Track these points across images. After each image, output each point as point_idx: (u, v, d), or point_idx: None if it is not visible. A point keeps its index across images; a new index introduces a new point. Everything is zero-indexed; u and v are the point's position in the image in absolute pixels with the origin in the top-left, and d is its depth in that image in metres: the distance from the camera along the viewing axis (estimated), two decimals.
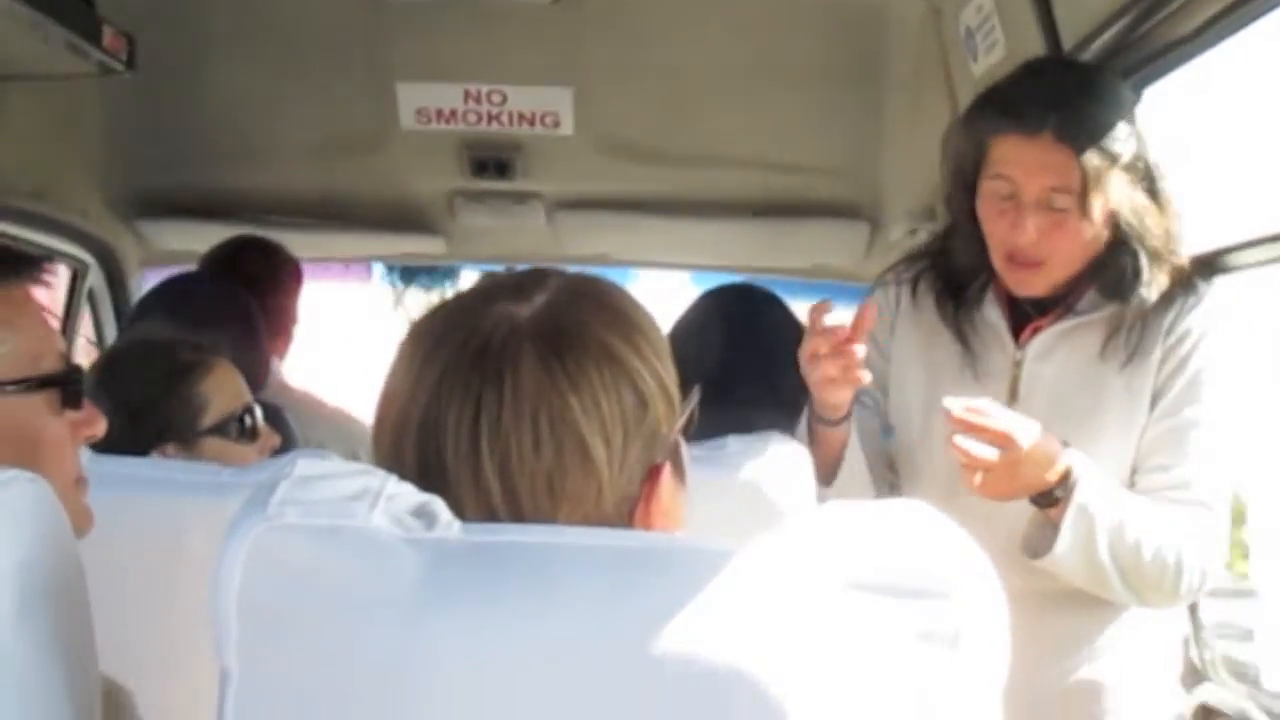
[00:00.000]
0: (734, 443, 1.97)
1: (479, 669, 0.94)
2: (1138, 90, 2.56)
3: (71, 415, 1.42)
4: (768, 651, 0.94)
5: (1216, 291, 2.18)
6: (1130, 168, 2.05)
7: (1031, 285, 2.15)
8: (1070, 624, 2.17)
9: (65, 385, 1.40)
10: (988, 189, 2.11)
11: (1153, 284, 2.10)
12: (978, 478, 1.94)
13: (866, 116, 3.69)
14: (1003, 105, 2.12)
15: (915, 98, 3.49)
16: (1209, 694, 2.70)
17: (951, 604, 0.97)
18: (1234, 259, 2.43)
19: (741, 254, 4.35)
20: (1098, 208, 2.04)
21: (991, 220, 2.13)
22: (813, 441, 2.14)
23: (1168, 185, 2.11)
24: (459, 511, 1.03)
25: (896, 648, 0.96)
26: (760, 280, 3.56)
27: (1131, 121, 2.08)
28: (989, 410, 1.96)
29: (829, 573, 0.97)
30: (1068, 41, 2.67)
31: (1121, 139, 2.04)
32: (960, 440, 1.93)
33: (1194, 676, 2.75)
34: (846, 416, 2.13)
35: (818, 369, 2.01)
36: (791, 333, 2.52)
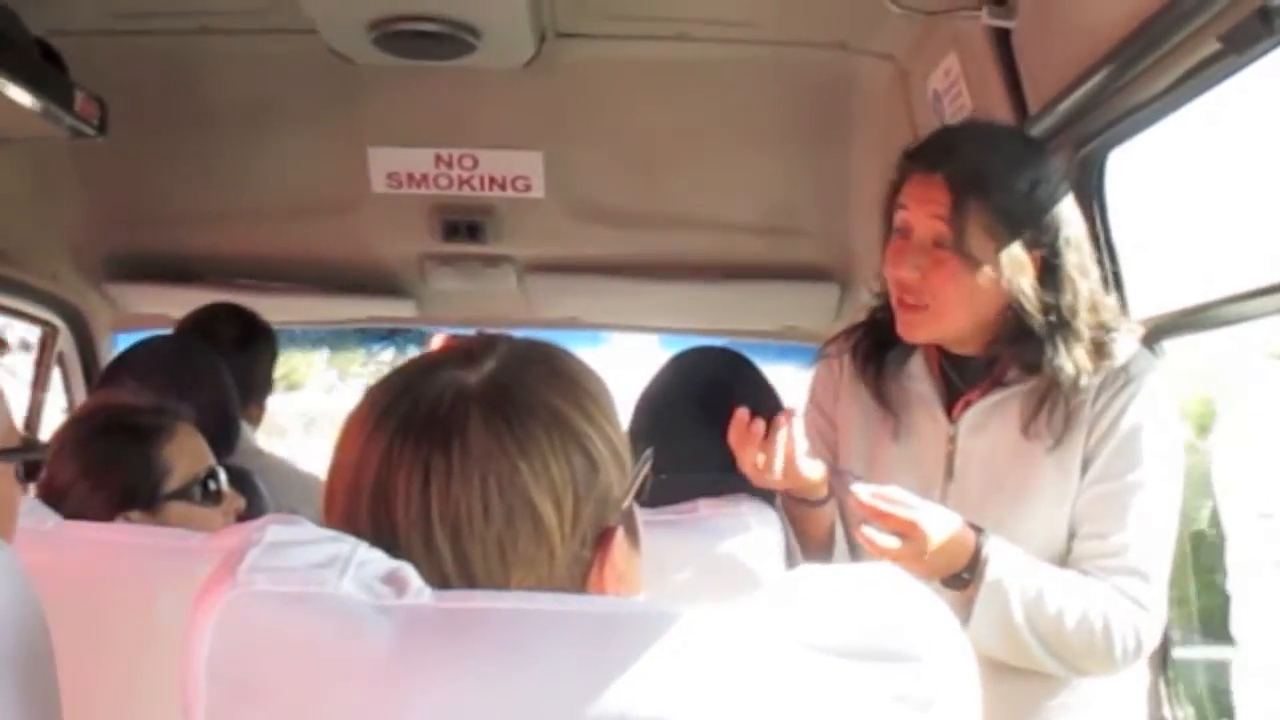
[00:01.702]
0: (705, 506, 1.98)
1: None
2: (1102, 155, 2.59)
3: None
4: (740, 716, 0.94)
5: (1176, 350, 2.19)
6: (1018, 224, 2.07)
7: (915, 330, 2.17)
8: (1028, 688, 2.16)
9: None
10: (895, 222, 2.16)
11: (1067, 356, 2.09)
12: (889, 549, 1.96)
13: (835, 178, 3.72)
14: (910, 151, 2.20)
15: (883, 160, 3.48)
16: None
17: (924, 667, 0.98)
18: (1201, 318, 2.45)
19: (712, 316, 4.36)
20: (975, 251, 2.06)
21: (887, 259, 2.17)
22: (792, 523, 2.14)
23: (1077, 258, 2.11)
24: None
25: (869, 710, 0.96)
26: (732, 343, 3.58)
27: (1034, 189, 2.10)
28: (899, 498, 1.97)
29: (801, 637, 0.97)
30: (1033, 104, 2.70)
31: (1012, 193, 2.08)
32: (866, 530, 1.95)
33: None
34: (827, 498, 2.13)
35: (742, 461, 2.02)
36: (762, 395, 2.52)
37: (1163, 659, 2.67)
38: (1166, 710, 2.75)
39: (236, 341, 3.33)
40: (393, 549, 1.04)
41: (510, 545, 1.06)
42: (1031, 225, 2.09)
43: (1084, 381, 2.09)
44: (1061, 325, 2.09)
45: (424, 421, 1.08)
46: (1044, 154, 2.24)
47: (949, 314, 2.13)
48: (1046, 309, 2.09)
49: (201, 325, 3.40)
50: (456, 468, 1.06)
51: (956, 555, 2.00)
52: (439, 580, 1.04)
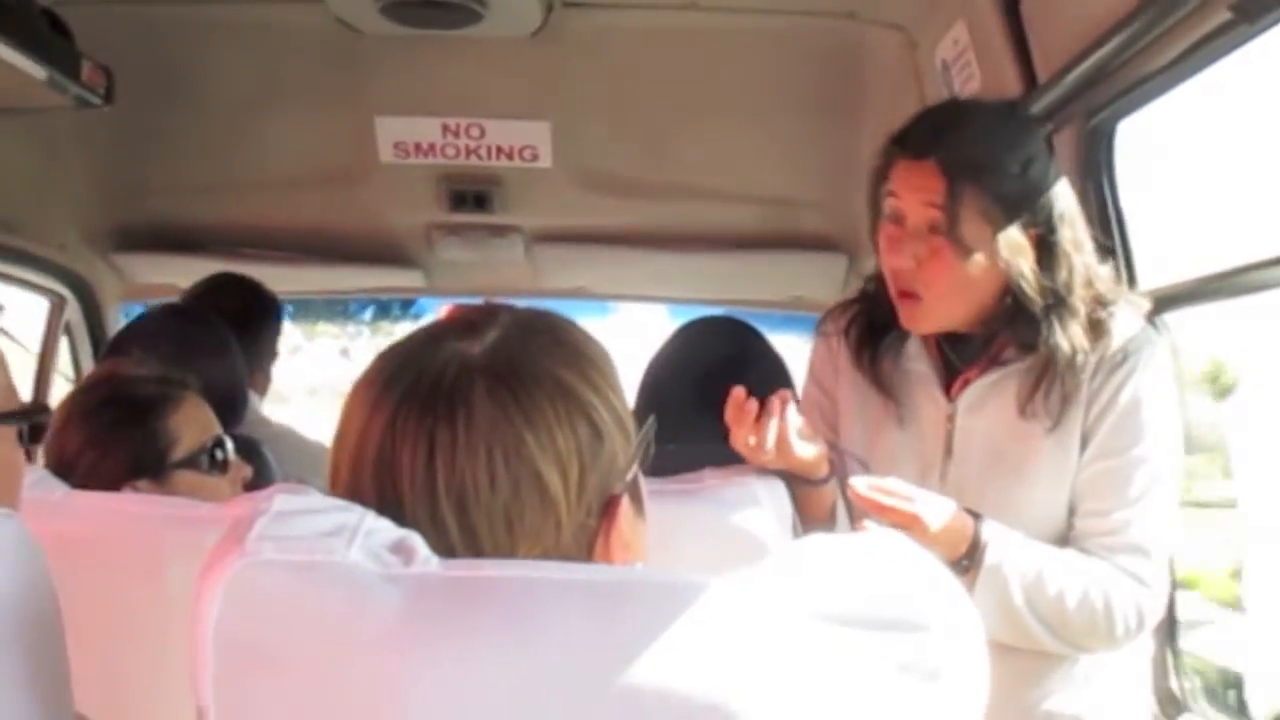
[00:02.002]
0: (711, 475, 1.97)
1: (458, 704, 0.93)
2: (1111, 124, 2.59)
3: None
4: (747, 685, 0.94)
5: (1164, 327, 2.18)
6: (1006, 204, 2.05)
7: (916, 320, 2.16)
8: (1030, 659, 2.16)
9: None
10: (885, 209, 2.14)
11: (1063, 334, 2.08)
12: None
13: (843, 149, 3.71)
14: (898, 135, 2.16)
15: (892, 130, 3.50)
16: None
17: (931, 635, 0.98)
18: (1214, 287, 2.44)
19: (720, 287, 4.36)
20: (971, 238, 2.05)
21: (882, 248, 2.15)
22: (797, 505, 2.14)
23: (1071, 234, 2.10)
24: None
25: (877, 680, 0.96)
26: (739, 313, 3.57)
27: (1026, 168, 2.08)
28: (898, 489, 1.97)
29: (808, 605, 0.97)
30: (1042, 74, 2.69)
31: (1006, 176, 2.05)
32: (867, 524, 1.95)
33: (1174, 706, 2.74)
34: (828, 477, 2.12)
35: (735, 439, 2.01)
36: (770, 365, 2.52)
37: (1170, 630, 2.67)
38: (1173, 681, 2.75)
39: (241, 311, 3.33)
40: (398, 522, 1.04)
41: (517, 516, 1.06)
42: (1027, 206, 2.07)
43: (1080, 359, 2.09)
44: (1059, 304, 2.08)
45: (428, 393, 1.07)
46: (1033, 130, 2.23)
47: (946, 303, 2.12)
48: (1044, 290, 2.08)
49: (207, 295, 3.40)
50: (461, 439, 1.05)
51: (955, 542, 2.00)
52: (445, 552, 1.04)
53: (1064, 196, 2.12)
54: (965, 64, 3.00)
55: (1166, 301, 2.47)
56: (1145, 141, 2.67)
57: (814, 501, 2.13)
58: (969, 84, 2.98)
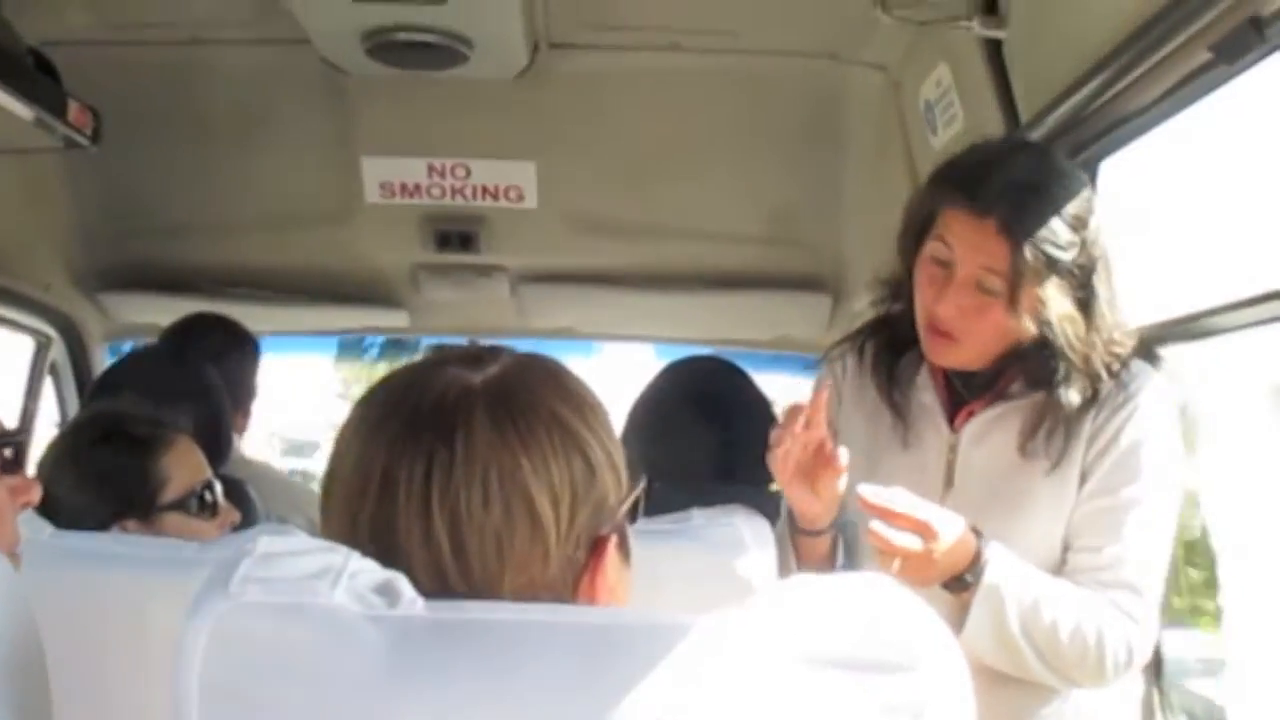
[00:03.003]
0: (698, 515, 1.97)
1: None
2: (1094, 164, 2.60)
3: (9, 481, 1.42)
4: None
5: (1159, 367, 2.18)
6: (1067, 274, 2.04)
7: (945, 356, 2.15)
8: (1022, 696, 2.15)
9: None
10: (929, 250, 2.12)
11: (1070, 386, 2.08)
12: (895, 565, 1.94)
13: (827, 189, 3.72)
14: (961, 179, 2.11)
15: (875, 170, 3.52)
16: None
17: (916, 676, 0.98)
18: (1194, 327, 2.45)
19: (705, 326, 4.36)
20: (1024, 305, 2.04)
21: (922, 287, 2.13)
22: (795, 552, 2.14)
23: (1107, 301, 2.10)
24: (409, 570, 1.04)
25: None
26: (724, 352, 3.58)
27: (1080, 227, 2.06)
28: (905, 500, 1.96)
29: (792, 647, 0.97)
30: (1025, 114, 2.71)
31: (1064, 244, 2.03)
32: (878, 526, 1.92)
33: None
34: (830, 527, 2.12)
35: (787, 466, 2.01)
36: (755, 404, 2.53)
37: (1155, 668, 2.67)
38: (1159, 717, 2.75)
39: (220, 350, 3.33)
40: (392, 543, 1.06)
41: (507, 540, 1.06)
42: (1080, 272, 2.06)
43: (1082, 410, 2.09)
44: (1084, 360, 2.08)
45: (430, 414, 1.09)
46: (1082, 179, 2.18)
47: (980, 347, 2.11)
48: (1082, 348, 2.08)
49: (186, 335, 3.40)
50: (459, 458, 1.07)
51: (960, 557, 1.99)
52: (436, 574, 1.05)
53: (1102, 249, 2.10)
54: (948, 104, 3.02)
55: (1152, 339, 2.48)
56: (1129, 181, 2.68)
57: (813, 549, 2.13)
58: (952, 124, 3.00)
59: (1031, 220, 2.03)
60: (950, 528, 1.96)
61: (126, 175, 3.62)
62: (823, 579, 1.05)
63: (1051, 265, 2.02)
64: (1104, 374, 2.10)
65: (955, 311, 2.07)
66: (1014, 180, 2.07)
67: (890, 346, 2.28)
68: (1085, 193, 2.11)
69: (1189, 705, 2.95)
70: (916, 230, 2.17)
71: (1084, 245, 2.05)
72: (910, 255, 2.19)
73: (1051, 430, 2.11)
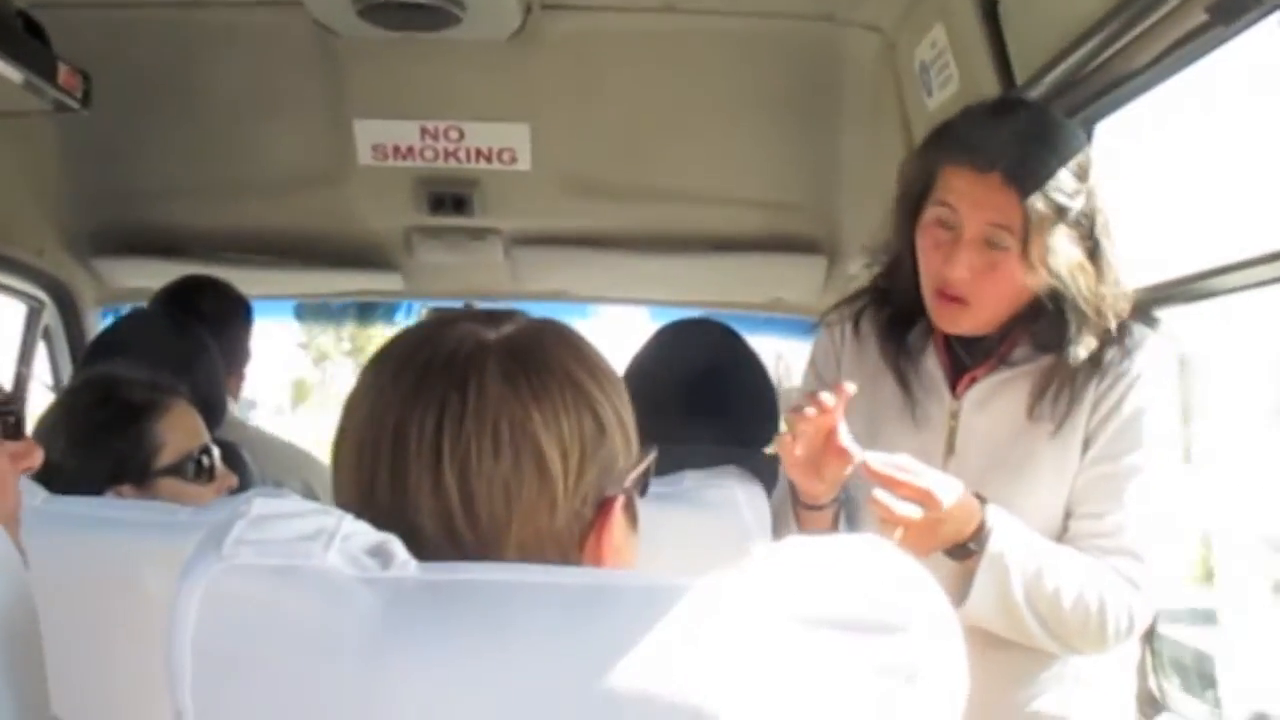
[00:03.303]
0: (691, 478, 1.97)
1: (437, 708, 0.94)
2: (1089, 125, 2.59)
3: (10, 446, 1.42)
4: (725, 687, 0.94)
5: (1159, 334, 2.17)
6: (1075, 224, 2.04)
7: (957, 323, 2.14)
8: (1019, 658, 2.16)
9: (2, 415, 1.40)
10: (930, 215, 2.10)
11: (1080, 343, 2.08)
12: (897, 533, 1.94)
13: (822, 151, 3.71)
14: (959, 138, 2.11)
15: (871, 132, 3.51)
16: None
17: (909, 637, 0.98)
18: (1190, 289, 2.45)
19: (699, 289, 4.36)
20: (1035, 256, 2.03)
21: (927, 252, 2.12)
22: (797, 522, 2.13)
23: (1110, 249, 2.09)
24: (418, 518, 1.05)
25: (854, 682, 0.96)
26: (718, 315, 3.57)
27: (1084, 177, 2.06)
28: (911, 467, 1.95)
29: (786, 608, 0.97)
30: (1020, 76, 2.70)
31: (1070, 193, 2.03)
32: (880, 495, 1.92)
33: (1152, 706, 2.76)
34: (833, 501, 2.12)
35: (795, 453, 2.00)
36: (749, 367, 2.53)
37: (1150, 631, 2.68)
38: (1152, 681, 2.76)
39: (214, 314, 3.32)
40: (402, 493, 1.07)
41: (515, 488, 1.07)
42: (1085, 218, 2.06)
43: (1089, 365, 2.09)
44: (1082, 315, 2.07)
45: (443, 366, 1.10)
46: (1081, 135, 2.19)
47: (994, 311, 2.10)
48: (1094, 301, 2.07)
49: (178, 298, 3.39)
50: (471, 407, 1.08)
51: (963, 524, 1.99)
52: (444, 521, 1.06)
53: (1103, 202, 2.10)
54: (944, 66, 3.01)
55: (1148, 301, 2.48)
56: (1125, 142, 2.68)
57: (815, 521, 2.12)
58: (948, 85, 2.99)
59: (1037, 169, 2.02)
60: (952, 495, 1.96)
61: (118, 139, 3.61)
62: (817, 540, 1.05)
63: (1060, 213, 2.02)
64: (1113, 328, 2.10)
65: (967, 273, 2.05)
66: (1015, 132, 2.07)
67: (895, 319, 2.27)
68: (1084, 144, 2.11)
69: (1178, 657, 2.96)
70: (915, 197, 2.15)
71: (1089, 195, 2.06)
72: (908, 225, 2.17)
73: (1059, 391, 2.11)
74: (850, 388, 1.96)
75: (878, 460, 1.93)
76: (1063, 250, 2.03)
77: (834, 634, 0.96)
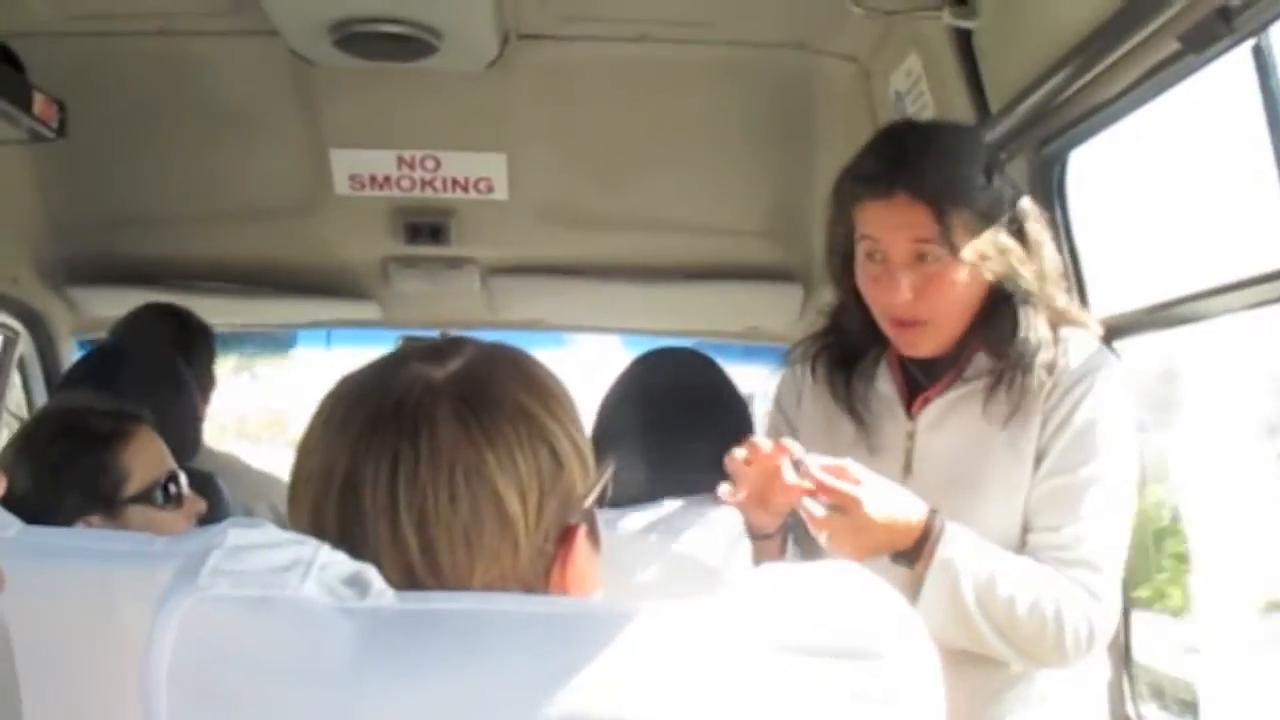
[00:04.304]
0: (669, 505, 1.97)
1: None
2: (1063, 154, 2.61)
3: None
4: (701, 714, 0.94)
5: (1135, 349, 2.20)
6: (986, 215, 2.09)
7: (919, 345, 2.17)
8: (989, 678, 2.16)
9: None
10: (860, 253, 2.15)
11: (1031, 328, 2.12)
12: (823, 537, 1.96)
13: (798, 179, 3.73)
14: (856, 174, 2.16)
15: (846, 160, 3.51)
16: None
17: (885, 663, 0.98)
18: (1160, 316, 2.47)
19: (676, 317, 4.37)
20: (966, 255, 2.07)
21: (868, 288, 2.16)
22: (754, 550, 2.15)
23: (1035, 227, 2.15)
24: (377, 569, 1.03)
25: (830, 708, 0.96)
26: (695, 343, 3.57)
27: (985, 172, 2.11)
28: (849, 469, 1.97)
29: (762, 634, 0.97)
30: (994, 105, 2.72)
31: (975, 187, 2.09)
32: (806, 501, 1.94)
33: None
34: (779, 530, 2.13)
35: (733, 493, 2.01)
36: (726, 394, 2.52)
37: (1125, 654, 2.68)
38: (1130, 707, 2.76)
39: (177, 341, 3.30)
40: (359, 541, 1.05)
41: (475, 535, 1.06)
42: (1000, 211, 2.11)
43: (1043, 355, 2.11)
44: (1025, 295, 2.11)
45: (393, 412, 1.09)
46: (978, 136, 2.24)
47: (949, 322, 2.14)
48: (1033, 274, 2.11)
49: (141, 326, 3.37)
50: (425, 456, 1.06)
51: (900, 534, 2.00)
52: (405, 571, 1.05)
53: (1021, 192, 2.17)
54: (919, 95, 3.02)
55: (1117, 330, 2.49)
56: (1099, 170, 2.69)
57: (763, 550, 2.13)
58: (923, 114, 3.00)
59: (934, 177, 2.07)
60: (885, 503, 1.97)
61: (94, 168, 3.61)
62: (792, 568, 1.05)
63: (972, 206, 2.07)
64: (1058, 303, 2.15)
65: (910, 294, 2.09)
66: (904, 151, 2.13)
67: (842, 361, 2.30)
68: (979, 142, 2.16)
69: (1157, 684, 2.96)
70: (842, 245, 2.20)
71: (998, 188, 2.12)
72: (845, 272, 2.21)
73: (1010, 384, 2.12)
74: (794, 447, 1.97)
75: (816, 465, 1.95)
76: (987, 239, 2.08)
77: (809, 660, 0.96)
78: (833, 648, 0.97)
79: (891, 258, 2.10)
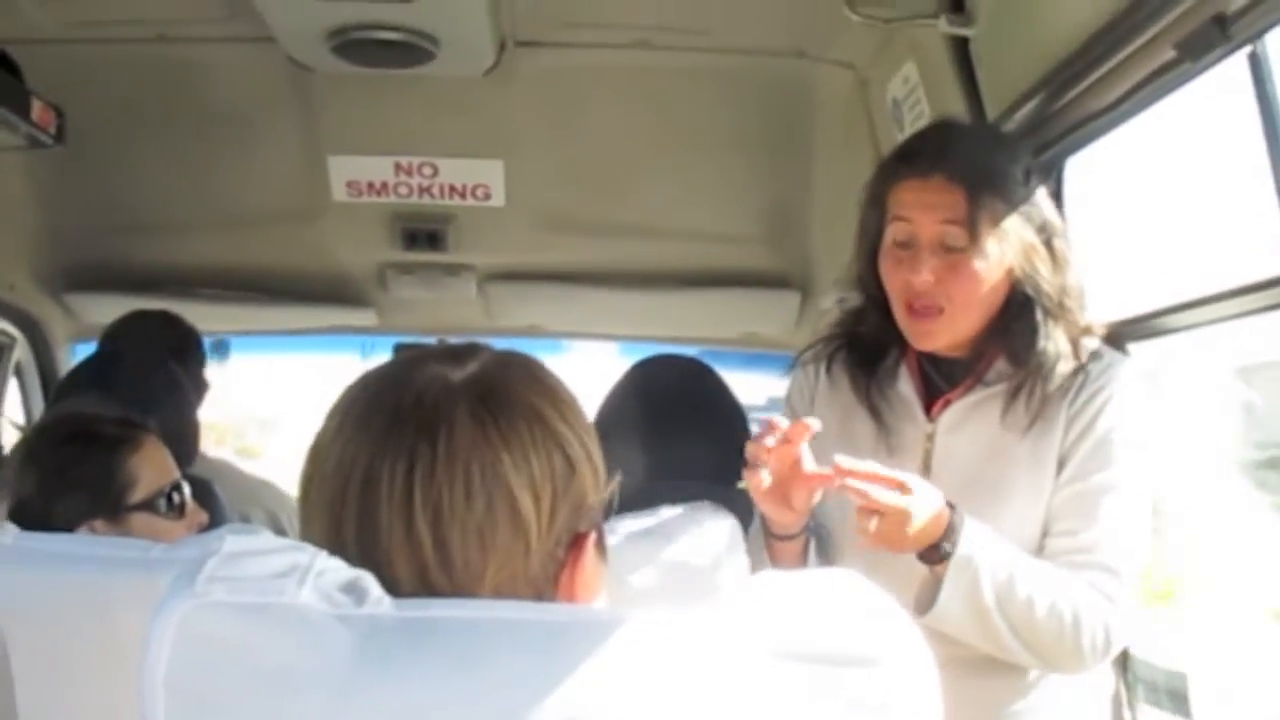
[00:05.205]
0: (666, 512, 1.97)
1: None
2: (1060, 161, 2.61)
3: None
4: None
5: (1133, 356, 2.20)
6: (1024, 214, 2.11)
7: (933, 336, 2.17)
8: (996, 688, 2.16)
9: None
10: (888, 237, 2.16)
11: (1050, 339, 2.12)
12: (873, 524, 1.94)
13: (795, 186, 3.73)
14: (899, 155, 2.20)
15: (843, 168, 3.52)
16: None
17: (881, 671, 0.98)
18: (1156, 324, 2.47)
19: (673, 324, 4.36)
20: (991, 246, 2.09)
21: (891, 272, 2.16)
22: (769, 554, 2.14)
23: (1064, 244, 2.15)
24: (391, 567, 1.04)
25: (826, 715, 0.96)
26: (692, 350, 3.58)
27: (1025, 181, 2.14)
28: (879, 470, 1.96)
29: (759, 642, 0.97)
30: (991, 112, 2.72)
31: (1010, 180, 2.11)
32: (855, 482, 1.93)
33: None
34: (802, 531, 2.13)
35: (757, 476, 2.00)
36: (723, 401, 2.53)
37: (1124, 662, 2.69)
38: (1127, 714, 2.76)
39: (171, 346, 3.30)
40: (374, 538, 1.06)
41: (489, 533, 1.07)
42: (1033, 211, 2.13)
43: (1062, 367, 2.11)
44: (1048, 308, 2.12)
45: (411, 411, 1.09)
46: (1021, 144, 2.28)
47: (966, 314, 2.14)
48: (1055, 289, 2.12)
49: (135, 332, 3.36)
50: (441, 455, 1.07)
51: (934, 528, 1.99)
52: (418, 569, 1.05)
53: (1052, 207, 2.18)
54: (915, 102, 3.03)
55: (1117, 336, 2.49)
56: (1095, 179, 2.70)
57: (786, 552, 2.13)
58: (920, 121, 3.00)
59: (977, 164, 2.11)
60: (924, 490, 1.97)
61: (92, 174, 3.61)
62: (790, 575, 1.05)
63: (1006, 200, 2.10)
64: (1079, 321, 2.15)
65: (930, 275, 2.10)
66: (950, 137, 2.19)
67: (861, 362, 2.29)
68: (1025, 152, 2.18)
69: (1152, 679, 2.96)
70: (873, 228, 2.21)
71: (1032, 191, 2.14)
72: (871, 261, 2.21)
73: (1030, 394, 2.13)
74: (814, 423, 1.96)
75: (848, 461, 1.94)
76: (1014, 232, 2.10)
77: (806, 667, 0.96)
78: (830, 655, 0.97)
79: (919, 238, 2.11)
